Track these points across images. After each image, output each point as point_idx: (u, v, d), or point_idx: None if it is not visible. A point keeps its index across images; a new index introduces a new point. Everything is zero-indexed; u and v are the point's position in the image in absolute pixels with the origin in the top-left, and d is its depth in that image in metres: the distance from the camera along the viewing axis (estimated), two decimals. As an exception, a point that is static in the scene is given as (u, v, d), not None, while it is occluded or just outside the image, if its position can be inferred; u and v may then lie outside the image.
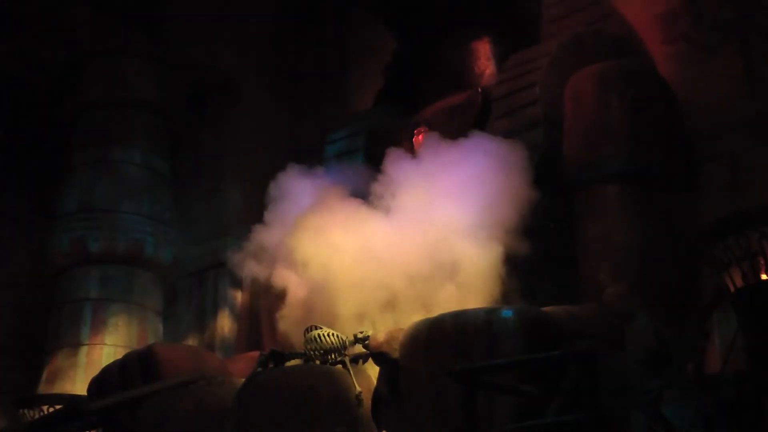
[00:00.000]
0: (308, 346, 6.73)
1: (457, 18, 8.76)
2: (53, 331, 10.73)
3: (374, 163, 8.33)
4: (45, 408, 9.14)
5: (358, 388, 6.33)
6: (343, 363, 6.60)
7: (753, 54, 7.33)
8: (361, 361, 6.68)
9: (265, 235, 8.19)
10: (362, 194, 7.89)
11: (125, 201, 10.97)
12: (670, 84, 7.64)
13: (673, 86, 7.64)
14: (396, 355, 6.18)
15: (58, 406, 8.88)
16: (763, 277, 5.33)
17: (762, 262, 5.29)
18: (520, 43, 8.43)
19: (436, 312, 6.33)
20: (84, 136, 11.42)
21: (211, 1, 11.64)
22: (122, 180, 11.05)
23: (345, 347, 6.67)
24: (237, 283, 10.39)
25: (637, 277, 6.87)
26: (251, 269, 8.35)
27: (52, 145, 11.80)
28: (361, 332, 6.62)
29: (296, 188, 8.38)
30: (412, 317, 6.46)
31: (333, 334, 6.68)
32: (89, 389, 8.01)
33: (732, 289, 5.48)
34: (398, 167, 7.73)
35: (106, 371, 7.97)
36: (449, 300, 6.88)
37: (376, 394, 6.29)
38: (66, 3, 11.04)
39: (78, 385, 9.77)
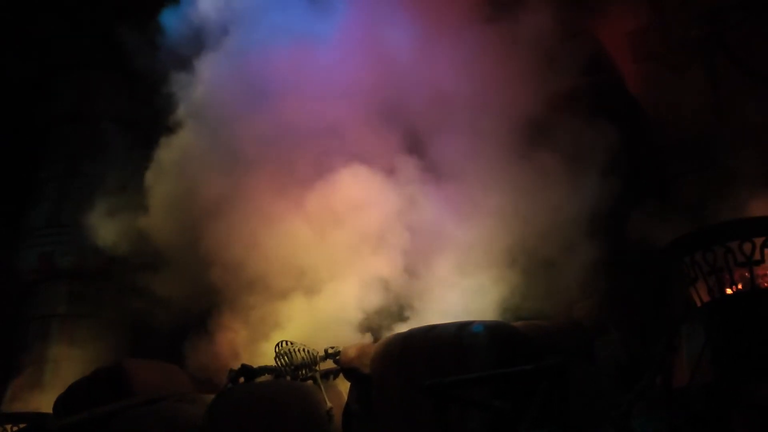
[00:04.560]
0: (279, 361, 6.72)
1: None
2: (20, 348, 10.58)
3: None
4: (9, 427, 8.99)
5: (329, 404, 6.32)
6: (314, 378, 6.59)
7: (719, 72, 7.43)
8: (332, 376, 6.67)
9: None
10: None
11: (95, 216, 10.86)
12: (639, 101, 7.74)
13: (643, 103, 7.73)
14: (367, 370, 6.18)
15: (23, 425, 8.74)
16: (729, 291, 5.39)
17: (727, 277, 5.35)
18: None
19: None
20: (53, 150, 11.34)
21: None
22: (92, 195, 10.95)
23: (316, 362, 6.66)
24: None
25: (606, 292, 6.92)
26: None
27: (21, 159, 11.68)
28: (332, 347, 6.61)
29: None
30: None
31: (304, 350, 6.67)
32: (56, 407, 7.92)
33: (699, 303, 5.53)
34: None
35: (74, 388, 7.88)
36: None
37: (348, 410, 6.28)
38: (35, 16, 10.97)
39: (44, 402, 9.63)
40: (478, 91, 7.56)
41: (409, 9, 7.99)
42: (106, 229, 9.48)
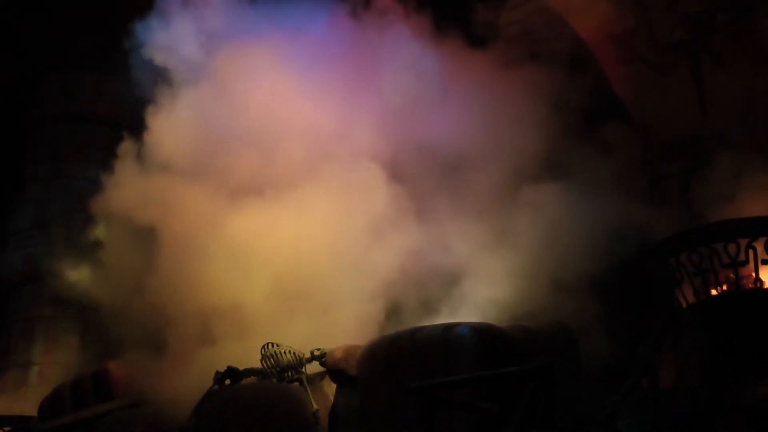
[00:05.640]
0: (265, 363, 6.69)
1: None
2: (4, 350, 10.49)
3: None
4: (-6, 429, 8.94)
5: (315, 406, 6.30)
6: (301, 380, 6.57)
7: (704, 75, 7.47)
8: (318, 378, 6.65)
9: None
10: None
11: (79, 217, 10.79)
12: (624, 103, 7.77)
13: (628, 105, 7.76)
14: (354, 371, 6.17)
15: (7, 428, 8.68)
16: (714, 292, 5.41)
17: (712, 278, 5.38)
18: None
19: None
20: (37, 151, 11.25)
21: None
22: (76, 196, 10.88)
23: (302, 364, 6.64)
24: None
25: (592, 294, 6.93)
26: None
27: (5, 160, 11.59)
28: (318, 349, 6.58)
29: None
30: None
31: (290, 352, 6.65)
32: (40, 409, 7.86)
33: (684, 304, 5.55)
34: None
35: (58, 390, 7.83)
36: None
37: (334, 412, 6.26)
38: (20, 16, 10.90)
39: (29, 404, 9.55)
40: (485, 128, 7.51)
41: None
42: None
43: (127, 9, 9.20)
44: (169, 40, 8.24)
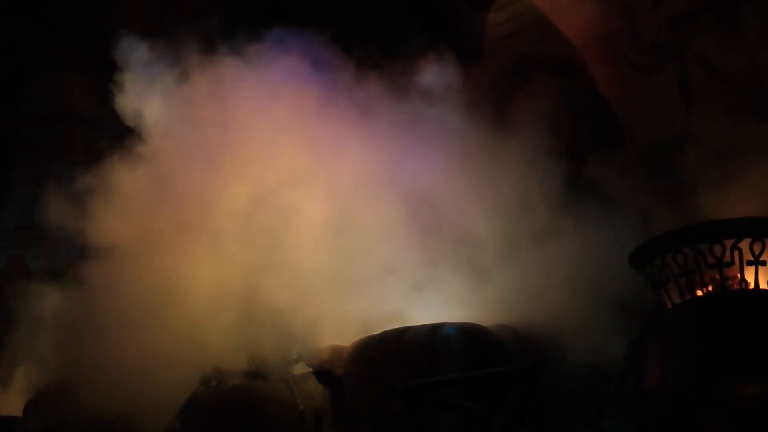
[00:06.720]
0: (252, 365, 6.68)
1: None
2: (-11, 351, 10.47)
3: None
4: (-23, 431, 8.89)
5: (302, 407, 6.30)
6: (287, 381, 6.56)
7: (689, 75, 7.50)
8: (305, 378, 6.64)
9: None
10: None
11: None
12: (610, 103, 7.80)
13: (614, 106, 7.79)
14: (340, 372, 6.16)
15: (-8, 429, 8.65)
16: (699, 293, 5.42)
17: (698, 278, 5.39)
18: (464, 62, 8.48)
19: None
20: (23, 152, 11.22)
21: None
22: (62, 197, 10.84)
23: (289, 365, 6.63)
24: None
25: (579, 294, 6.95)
26: None
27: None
28: (305, 350, 6.57)
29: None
30: None
31: (277, 353, 6.64)
32: (25, 410, 7.83)
33: (670, 305, 5.57)
34: None
35: (43, 392, 7.80)
36: None
37: (320, 412, 6.26)
38: (7, 15, 10.86)
39: (13, 406, 9.52)
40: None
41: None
42: None
43: (116, 13, 9.21)
44: (147, 64, 8.21)
